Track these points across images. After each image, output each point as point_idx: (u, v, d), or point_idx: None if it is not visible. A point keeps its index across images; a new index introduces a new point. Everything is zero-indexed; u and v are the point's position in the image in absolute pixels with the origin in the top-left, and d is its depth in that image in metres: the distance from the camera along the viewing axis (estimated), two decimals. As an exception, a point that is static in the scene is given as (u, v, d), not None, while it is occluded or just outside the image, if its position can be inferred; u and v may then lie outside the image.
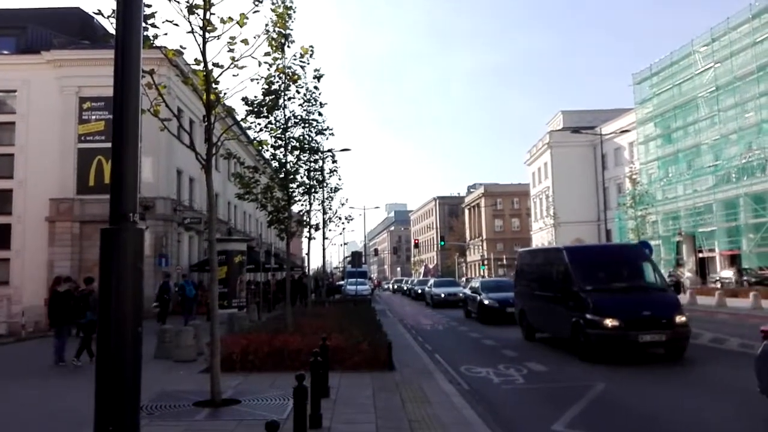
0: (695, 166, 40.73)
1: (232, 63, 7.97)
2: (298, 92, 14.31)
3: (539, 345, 15.02)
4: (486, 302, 20.94)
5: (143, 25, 4.08)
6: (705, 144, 39.20)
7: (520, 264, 17.81)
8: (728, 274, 35.80)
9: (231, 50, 7.89)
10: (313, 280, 36.84)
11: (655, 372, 10.81)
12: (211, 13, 7.61)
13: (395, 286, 68.58)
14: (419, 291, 43.26)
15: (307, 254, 20.97)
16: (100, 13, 6.74)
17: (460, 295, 27.56)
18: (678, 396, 8.91)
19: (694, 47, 39.80)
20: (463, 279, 60.44)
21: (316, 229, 18.41)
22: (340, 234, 40.88)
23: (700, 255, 41.20)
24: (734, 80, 35.79)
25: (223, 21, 7.67)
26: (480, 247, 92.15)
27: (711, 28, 37.95)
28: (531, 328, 15.88)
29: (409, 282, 57.61)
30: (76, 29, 33.32)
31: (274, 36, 11.52)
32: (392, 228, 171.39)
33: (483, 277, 70.70)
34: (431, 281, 36.63)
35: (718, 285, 33.88)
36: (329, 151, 18.68)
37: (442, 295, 31.15)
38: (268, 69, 11.62)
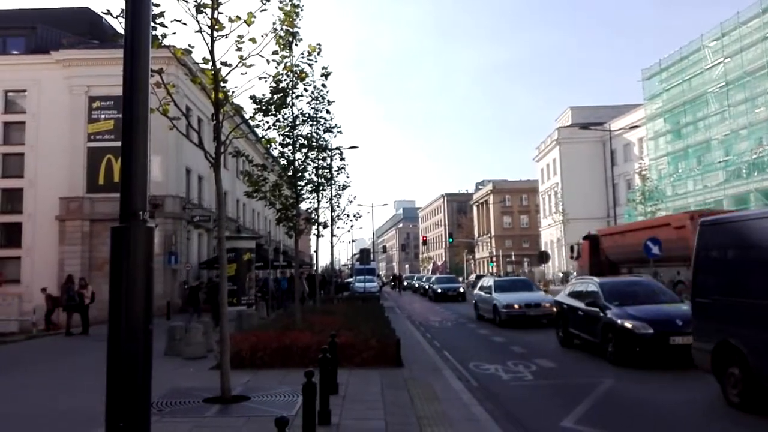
0: (705, 162, 40.36)
1: (240, 61, 8.00)
2: (305, 90, 14.35)
3: (552, 341, 14.91)
4: (627, 326, 11.33)
5: (152, 24, 4.11)
6: (715, 139, 38.85)
7: (719, 250, 8.57)
8: None
9: (239, 49, 7.92)
10: (322, 277, 36.80)
11: (665, 370, 10.71)
12: (219, 12, 7.65)
13: (405, 283, 66.69)
14: (439, 291, 37.65)
15: (316, 252, 21.01)
16: (109, 13, 6.80)
17: (546, 305, 18.79)
18: (686, 394, 8.87)
19: (703, 42, 39.42)
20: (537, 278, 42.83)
21: (324, 226, 18.44)
22: (349, 231, 41.15)
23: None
24: (744, 75, 35.44)
25: (231, 20, 7.70)
26: (488, 244, 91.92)
27: (721, 23, 37.57)
28: (760, 387, 7.41)
29: (423, 279, 53.68)
30: (85, 29, 33.52)
31: (282, 34, 11.54)
32: (400, 225, 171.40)
33: (493, 274, 68.81)
34: (489, 282, 23.26)
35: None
36: (337, 148, 18.73)
37: (516, 307, 19.49)
38: (276, 67, 11.67)
